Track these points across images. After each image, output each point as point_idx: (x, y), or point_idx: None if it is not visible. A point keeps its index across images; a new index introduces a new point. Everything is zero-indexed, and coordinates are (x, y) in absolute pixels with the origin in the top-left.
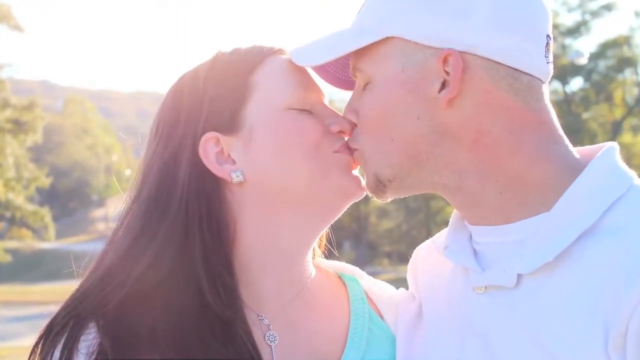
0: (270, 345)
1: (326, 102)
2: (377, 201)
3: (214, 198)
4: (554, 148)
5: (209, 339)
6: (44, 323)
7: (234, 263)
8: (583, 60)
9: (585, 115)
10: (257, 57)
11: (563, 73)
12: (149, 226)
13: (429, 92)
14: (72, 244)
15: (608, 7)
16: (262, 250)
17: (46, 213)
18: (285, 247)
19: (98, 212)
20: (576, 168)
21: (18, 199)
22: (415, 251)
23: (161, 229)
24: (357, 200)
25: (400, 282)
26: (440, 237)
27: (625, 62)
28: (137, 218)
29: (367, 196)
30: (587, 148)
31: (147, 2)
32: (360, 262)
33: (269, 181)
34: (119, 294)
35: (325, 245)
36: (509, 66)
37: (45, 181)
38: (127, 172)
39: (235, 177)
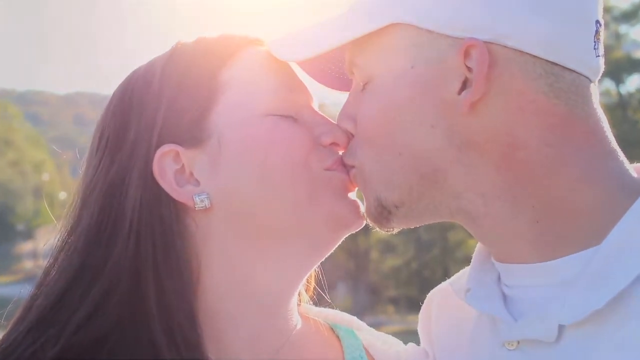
0: None
1: (315, 106)
2: (380, 233)
3: (172, 228)
4: (605, 165)
5: None
6: None
7: (197, 311)
8: None
9: None
10: (228, 49)
11: (617, 69)
12: (90, 264)
13: (446, 93)
14: None
15: None
16: (234, 294)
17: None
18: (263, 290)
19: (25, 246)
20: (633, 190)
21: None
22: (428, 296)
23: (106, 268)
24: (354, 231)
25: (409, 335)
26: (461, 278)
27: None
28: (75, 254)
29: (367, 226)
30: None
31: None
32: (358, 310)
33: (242, 207)
34: (52, 350)
35: (314, 288)
36: (548, 60)
37: None
38: (62, 195)
39: (200, 202)
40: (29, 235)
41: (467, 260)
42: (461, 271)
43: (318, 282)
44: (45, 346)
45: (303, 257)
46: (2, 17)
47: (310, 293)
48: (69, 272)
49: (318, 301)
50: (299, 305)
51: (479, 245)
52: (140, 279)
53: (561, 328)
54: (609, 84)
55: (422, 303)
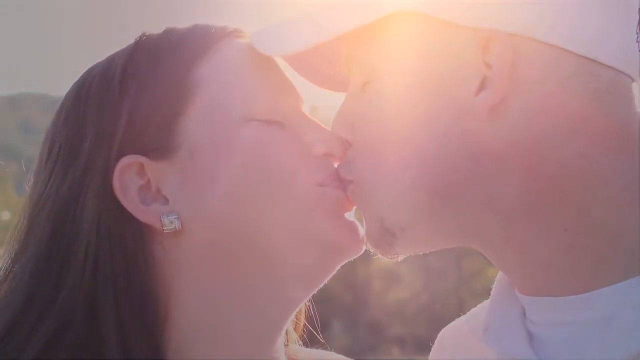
0: None
1: (306, 110)
2: (382, 260)
3: (135, 255)
4: None
5: None
6: None
7: (166, 353)
8: None
9: None
10: (202, 42)
11: None
12: (39, 298)
13: (461, 94)
14: None
15: None
16: (208, 334)
17: None
18: (242, 328)
19: None
20: None
21: None
22: (440, 336)
23: (57, 303)
24: (352, 259)
25: None
26: (478, 314)
27: None
28: (21, 285)
29: (367, 252)
30: None
31: None
32: (357, 351)
33: (217, 229)
34: None
35: (305, 326)
36: (582, 56)
37: None
38: (5, 215)
39: (169, 224)
40: None
41: (485, 293)
42: (479, 306)
43: (309, 319)
44: None
45: (290, 289)
46: None
47: (300, 332)
48: (13, 306)
49: (309, 341)
50: (286, 346)
51: (499, 275)
52: (98, 315)
53: None
54: None
55: (433, 344)
